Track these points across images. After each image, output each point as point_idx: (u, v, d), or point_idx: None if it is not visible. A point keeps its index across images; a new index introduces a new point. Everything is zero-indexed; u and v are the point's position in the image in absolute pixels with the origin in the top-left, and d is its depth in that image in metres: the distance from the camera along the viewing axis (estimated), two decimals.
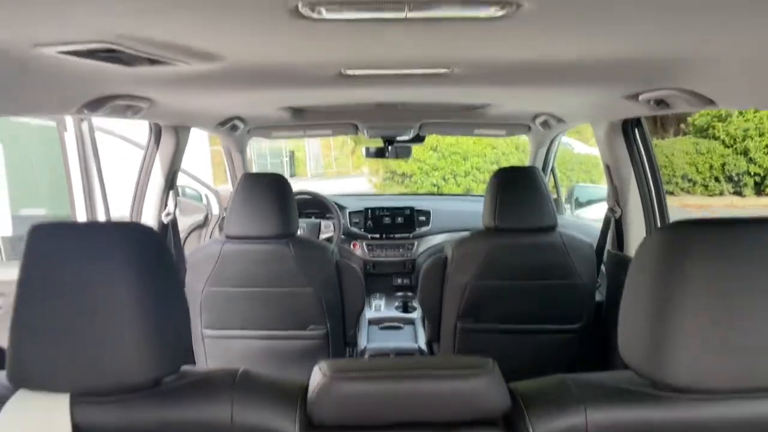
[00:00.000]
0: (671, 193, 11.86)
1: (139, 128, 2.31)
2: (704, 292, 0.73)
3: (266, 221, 1.85)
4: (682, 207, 10.52)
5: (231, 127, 2.35)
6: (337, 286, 2.03)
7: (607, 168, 2.07)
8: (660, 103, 1.37)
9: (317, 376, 0.83)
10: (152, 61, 0.91)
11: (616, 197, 2.07)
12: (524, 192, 1.94)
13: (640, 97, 1.40)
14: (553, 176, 3.02)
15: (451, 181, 11.58)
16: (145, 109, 1.42)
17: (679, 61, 1.06)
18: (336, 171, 16.03)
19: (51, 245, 0.75)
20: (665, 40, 0.92)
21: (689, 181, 11.78)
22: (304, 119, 2.41)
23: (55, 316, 0.75)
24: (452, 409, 0.83)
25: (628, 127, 1.90)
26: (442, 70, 1.20)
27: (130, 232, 0.80)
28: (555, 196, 3.01)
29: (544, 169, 2.88)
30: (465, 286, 1.97)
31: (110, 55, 0.85)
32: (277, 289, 1.92)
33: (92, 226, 1.03)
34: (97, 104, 1.20)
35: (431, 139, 12.28)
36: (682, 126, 12.69)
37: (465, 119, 2.48)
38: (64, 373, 0.76)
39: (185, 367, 0.86)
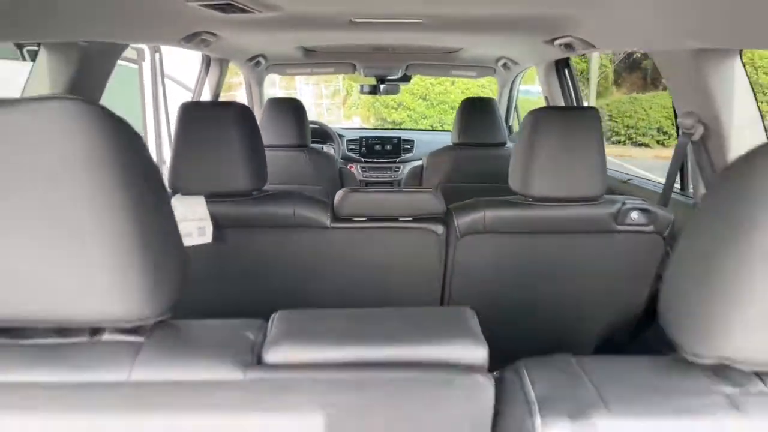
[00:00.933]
0: (647, 146, 12.57)
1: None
2: None
3: (288, 134, 2.50)
4: (655, 158, 11.15)
5: (256, 63, 2.95)
6: (339, 185, 2.70)
7: (546, 100, 2.73)
8: (568, 46, 2.01)
9: (340, 192, 1.51)
10: (242, 10, 1.51)
11: None
12: (482, 116, 2.60)
13: (555, 43, 2.03)
14: (516, 112, 3.67)
15: (439, 129, 12.17)
16: (213, 43, 2.03)
17: (567, 15, 1.68)
18: (327, 120, 16.49)
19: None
20: (561, 3, 1.52)
21: (664, 133, 12.43)
22: (312, 59, 3.01)
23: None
24: (416, 210, 1.52)
25: (560, 67, 2.55)
26: (419, 20, 1.83)
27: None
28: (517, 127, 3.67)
29: (508, 104, 3.53)
30: (436, 187, 2.65)
31: (222, 5, 1.46)
32: (294, 186, 2.58)
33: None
34: (189, 38, 1.82)
35: (421, 88, 12.82)
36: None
37: (442, 61, 3.10)
38: (200, 182, 1.43)
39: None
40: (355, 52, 2.94)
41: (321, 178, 2.61)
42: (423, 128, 10.72)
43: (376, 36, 2.31)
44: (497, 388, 0.54)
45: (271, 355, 0.55)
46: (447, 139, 4.20)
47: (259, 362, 0.55)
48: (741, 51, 1.42)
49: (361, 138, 3.93)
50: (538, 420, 0.50)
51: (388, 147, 3.91)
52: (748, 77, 1.45)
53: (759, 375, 0.55)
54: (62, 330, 0.55)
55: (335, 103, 16.42)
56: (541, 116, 1.44)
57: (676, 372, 0.56)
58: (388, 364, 0.54)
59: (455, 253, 1.54)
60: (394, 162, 3.86)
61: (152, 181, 0.56)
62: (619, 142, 12.61)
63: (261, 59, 2.92)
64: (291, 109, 2.56)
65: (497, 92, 3.60)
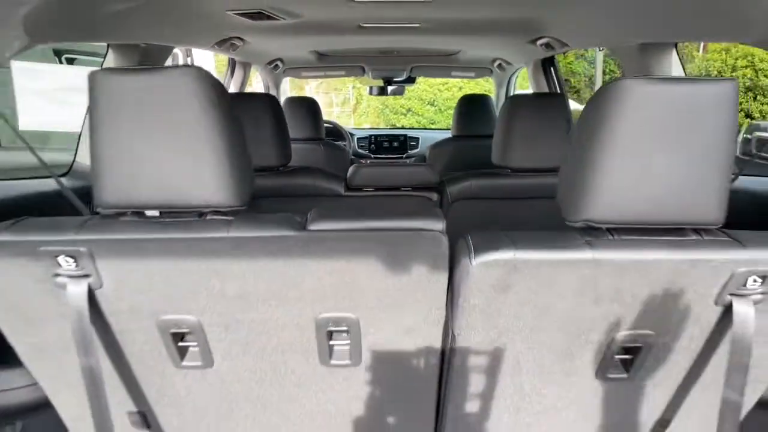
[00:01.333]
0: None
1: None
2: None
3: (305, 128, 2.83)
4: None
5: (274, 66, 3.29)
6: None
7: None
8: (547, 46, 2.32)
9: (352, 167, 1.83)
10: (269, 17, 1.84)
11: None
12: (478, 110, 2.91)
13: (537, 43, 2.34)
14: None
15: (441, 128, 12.49)
16: (240, 48, 2.36)
17: (542, 19, 1.99)
18: None
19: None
20: (532, 8, 1.83)
21: None
22: (325, 62, 3.35)
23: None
24: (414, 181, 1.83)
25: (546, 65, 2.85)
26: (417, 24, 2.15)
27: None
28: None
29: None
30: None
31: (252, 14, 1.78)
32: None
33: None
34: (221, 42, 2.16)
35: (429, 94, 13.17)
36: None
37: (443, 63, 3.42)
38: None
39: None
40: (364, 55, 3.27)
41: (335, 168, 2.93)
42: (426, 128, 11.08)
43: (381, 39, 2.64)
44: (451, 248, 0.87)
45: (312, 225, 0.88)
46: (447, 135, 4.56)
47: (304, 229, 0.87)
48: (676, 44, 1.71)
49: (370, 136, 4.27)
50: (472, 255, 0.82)
51: (395, 144, 4.23)
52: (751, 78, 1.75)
53: (608, 230, 0.85)
54: (182, 212, 0.88)
55: (345, 111, 16.83)
56: (516, 101, 1.75)
57: (560, 233, 0.88)
58: (382, 229, 0.86)
59: (448, 217, 1.85)
60: (401, 157, 4.18)
61: (232, 118, 0.88)
62: None
63: (279, 63, 3.27)
64: (306, 106, 2.89)
65: (494, 92, 3.91)
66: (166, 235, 0.85)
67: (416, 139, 4.26)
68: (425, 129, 6.56)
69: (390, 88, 3.91)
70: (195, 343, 0.96)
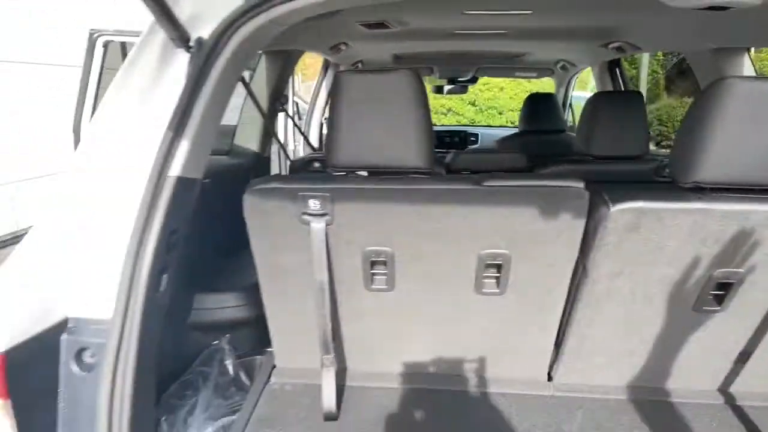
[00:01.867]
0: None
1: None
2: None
3: None
4: None
5: (355, 66, 3.60)
6: None
7: None
8: (619, 49, 2.55)
9: (451, 154, 2.11)
10: (384, 26, 2.13)
11: None
12: (544, 108, 3.17)
13: (609, 46, 2.57)
14: (571, 108, 4.20)
15: (498, 126, 12.68)
16: (342, 51, 2.67)
17: (620, 25, 2.23)
18: None
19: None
20: (612, 16, 2.08)
21: None
22: (399, 63, 3.64)
23: None
24: (506, 165, 2.10)
25: (612, 66, 3.09)
26: (504, 31, 2.41)
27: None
28: (570, 122, 4.20)
29: (564, 102, 4.06)
30: None
31: (372, 24, 2.07)
32: None
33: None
34: (334, 47, 2.47)
35: (470, 94, 13.32)
36: None
37: (508, 65, 3.67)
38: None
39: None
40: (436, 57, 3.55)
41: None
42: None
43: (462, 43, 2.91)
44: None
45: (486, 182, 1.18)
46: (505, 132, 4.81)
47: (480, 185, 1.18)
48: (748, 49, 1.94)
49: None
50: (610, 204, 1.10)
51: (456, 139, 4.51)
52: (757, 72, 1.98)
53: (714, 189, 1.14)
54: (392, 172, 1.20)
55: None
56: (601, 98, 2.01)
57: (673, 189, 1.17)
58: (540, 186, 1.16)
59: None
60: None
61: (428, 106, 1.20)
62: (668, 146, 12.77)
63: (359, 64, 3.58)
64: None
65: (555, 90, 4.14)
66: (383, 186, 1.17)
67: (476, 135, 4.52)
68: (482, 126, 6.84)
69: (447, 88, 4.18)
70: (384, 270, 1.27)
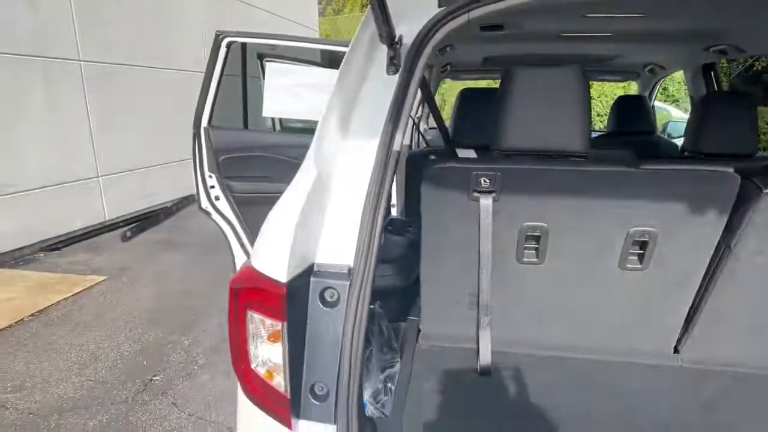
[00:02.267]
0: None
1: None
2: None
3: None
4: None
5: (444, 69, 3.76)
6: None
7: (692, 99, 3.30)
8: (721, 52, 2.61)
9: None
10: (500, 28, 2.27)
11: None
12: (634, 109, 3.25)
13: (711, 50, 2.63)
14: (654, 113, 4.22)
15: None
16: (447, 53, 2.83)
17: (726, 27, 2.29)
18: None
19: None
20: (719, 20, 2.16)
21: None
22: (486, 66, 3.77)
23: None
24: None
25: (707, 70, 3.13)
26: (608, 34, 2.51)
27: None
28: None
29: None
30: None
31: (494, 26, 2.21)
32: None
33: None
34: (442, 49, 2.64)
35: None
36: None
37: (596, 68, 3.75)
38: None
39: None
40: (525, 60, 3.66)
41: None
42: None
43: (559, 47, 3.01)
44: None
45: (643, 165, 1.30)
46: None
47: (637, 167, 1.30)
48: None
49: None
50: (763, 188, 1.22)
51: None
52: None
53: None
54: (547, 154, 1.35)
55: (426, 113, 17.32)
56: (710, 99, 2.09)
57: None
58: (692, 170, 1.28)
59: None
60: None
61: (590, 97, 1.34)
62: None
63: (449, 66, 3.74)
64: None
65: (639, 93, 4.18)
66: (548, 166, 1.31)
67: None
68: None
69: None
70: (536, 245, 1.41)
